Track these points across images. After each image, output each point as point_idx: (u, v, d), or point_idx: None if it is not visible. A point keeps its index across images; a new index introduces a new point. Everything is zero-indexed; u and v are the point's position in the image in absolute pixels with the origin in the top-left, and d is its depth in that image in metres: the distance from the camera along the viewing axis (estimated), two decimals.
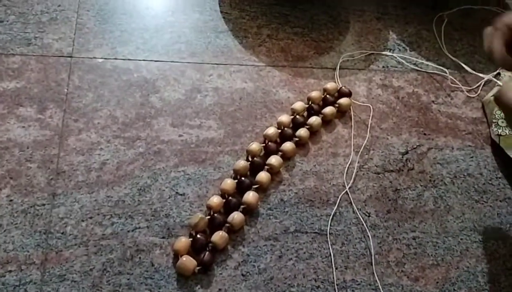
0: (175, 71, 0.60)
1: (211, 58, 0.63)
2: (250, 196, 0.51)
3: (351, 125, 0.61)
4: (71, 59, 0.58)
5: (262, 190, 0.53)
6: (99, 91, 0.56)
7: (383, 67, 0.68)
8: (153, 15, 0.64)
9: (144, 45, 0.61)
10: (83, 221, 0.48)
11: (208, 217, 0.50)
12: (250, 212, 0.52)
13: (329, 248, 0.51)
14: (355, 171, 0.57)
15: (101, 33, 0.61)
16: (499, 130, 0.61)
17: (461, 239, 0.55)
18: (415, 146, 0.61)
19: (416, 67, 0.69)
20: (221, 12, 0.67)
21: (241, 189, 0.52)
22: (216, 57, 0.63)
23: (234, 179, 0.53)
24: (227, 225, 0.50)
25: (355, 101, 0.63)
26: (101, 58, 0.59)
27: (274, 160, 0.54)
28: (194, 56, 0.62)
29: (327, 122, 0.60)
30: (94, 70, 0.58)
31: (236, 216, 0.50)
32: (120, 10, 0.63)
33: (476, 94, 0.68)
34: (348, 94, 0.62)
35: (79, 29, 0.61)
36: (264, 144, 0.56)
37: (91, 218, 0.48)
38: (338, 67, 0.65)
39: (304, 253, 0.50)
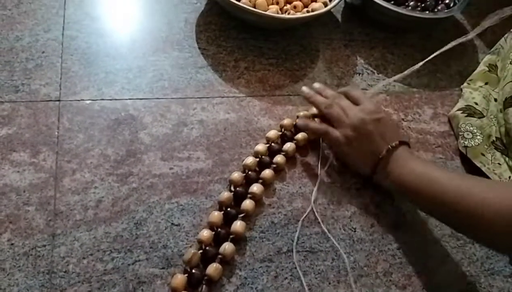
0: (160, 107, 0.63)
1: (193, 93, 0.66)
2: (237, 226, 0.54)
3: (328, 150, 0.65)
4: (59, 103, 0.60)
5: (248, 217, 0.56)
6: (89, 131, 0.59)
7: None
8: (135, 56, 0.67)
9: (129, 85, 0.64)
10: (84, 258, 0.49)
11: (200, 251, 0.52)
12: (240, 240, 0.54)
13: (321, 265, 0.54)
14: (337, 189, 0.61)
15: (87, 75, 0.63)
16: (466, 142, 0.67)
17: (440, 245, 0.59)
18: None
19: (385, 89, 0.74)
20: (199, 48, 0.71)
21: (228, 219, 0.55)
22: (199, 91, 0.66)
23: (220, 210, 0.56)
24: (220, 256, 0.51)
25: None
26: (89, 99, 0.61)
27: (255, 188, 0.57)
28: (178, 92, 0.65)
29: (302, 146, 0.64)
30: (82, 112, 0.60)
31: (227, 247, 0.52)
32: (103, 52, 0.66)
33: (442, 109, 0.73)
34: None
35: (64, 74, 0.63)
36: (244, 174, 0.59)
37: (91, 254, 0.50)
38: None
39: (298, 271, 0.53)
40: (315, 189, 0.60)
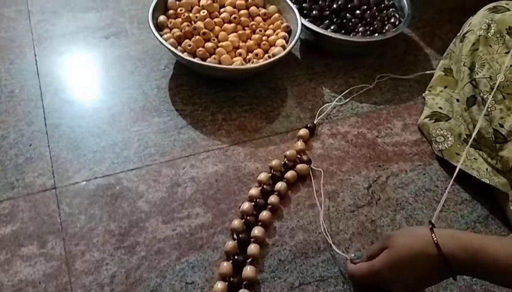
0: (152, 173, 0.66)
1: (180, 153, 0.69)
2: (248, 271, 0.56)
3: (319, 179, 0.68)
4: (55, 190, 0.62)
5: (256, 261, 0.58)
6: (90, 211, 0.61)
7: (327, 118, 0.77)
8: (118, 130, 0.70)
9: (118, 159, 0.67)
10: None
11: None
12: (253, 284, 0.56)
13: (333, 290, 0.57)
14: (333, 215, 0.64)
15: (76, 158, 0.66)
16: (439, 146, 0.72)
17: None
18: (375, 179, 0.70)
19: (354, 111, 0.79)
20: (177, 110, 0.74)
21: (237, 267, 0.57)
22: (184, 150, 0.69)
23: (228, 260, 0.58)
24: None
25: (312, 167, 0.70)
26: (83, 181, 0.64)
27: (256, 231, 0.60)
28: (165, 155, 0.68)
29: (293, 183, 0.67)
30: (79, 194, 0.62)
31: None
32: (87, 133, 0.69)
33: (410, 120, 0.79)
34: (307, 162, 0.70)
35: (55, 161, 0.65)
36: (244, 220, 0.62)
37: None
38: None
39: None
40: (321, 218, 0.63)
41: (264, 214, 0.62)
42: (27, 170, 0.64)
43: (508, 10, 0.70)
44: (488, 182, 0.66)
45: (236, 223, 0.61)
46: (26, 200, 0.61)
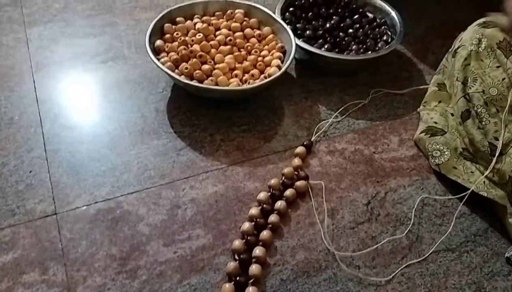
0: (152, 196, 0.66)
1: (180, 175, 0.69)
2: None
3: (318, 197, 0.69)
4: (56, 216, 0.62)
5: (258, 281, 0.58)
6: (91, 236, 0.61)
7: (324, 136, 0.78)
8: (117, 154, 0.71)
9: (118, 182, 0.67)
10: None
11: None
12: None
13: None
14: (333, 232, 0.65)
15: (76, 183, 0.66)
16: (436, 160, 0.72)
17: (439, 261, 0.63)
18: (374, 195, 0.70)
19: (350, 128, 0.80)
20: (175, 132, 0.75)
21: (239, 288, 0.57)
22: (184, 172, 0.70)
23: (230, 281, 0.58)
24: None
25: (310, 182, 0.70)
26: (83, 206, 0.64)
27: (258, 250, 0.60)
28: (165, 178, 0.69)
29: (292, 201, 0.68)
30: (80, 219, 0.63)
31: None
32: (87, 158, 0.70)
33: (406, 135, 0.79)
34: (305, 178, 0.70)
35: (55, 187, 0.66)
36: (244, 240, 0.62)
37: None
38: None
39: None
40: (323, 235, 0.64)
41: (265, 234, 0.63)
42: (27, 196, 0.64)
43: None
44: (486, 194, 0.66)
45: (237, 243, 0.61)
46: (27, 227, 0.61)
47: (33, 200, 0.64)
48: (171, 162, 0.71)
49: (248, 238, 0.62)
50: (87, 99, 0.79)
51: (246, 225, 0.63)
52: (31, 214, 0.62)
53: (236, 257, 0.60)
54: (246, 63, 0.80)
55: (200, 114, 0.78)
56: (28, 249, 0.59)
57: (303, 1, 0.93)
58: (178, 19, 0.84)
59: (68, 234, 0.61)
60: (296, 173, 0.71)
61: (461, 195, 0.66)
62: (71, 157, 0.70)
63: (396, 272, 0.61)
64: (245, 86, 0.76)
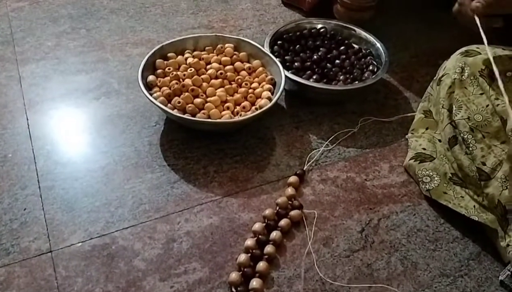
0: (147, 230, 0.67)
1: (174, 208, 0.70)
2: None
3: (311, 226, 0.69)
4: (51, 254, 0.62)
5: None
6: (86, 273, 0.61)
7: (316, 165, 0.79)
8: (111, 188, 0.71)
9: (113, 218, 0.67)
10: None
11: None
12: None
13: None
14: (328, 261, 0.65)
15: (71, 220, 0.66)
16: (426, 186, 0.74)
17: (435, 287, 0.63)
18: (367, 222, 0.71)
19: (341, 156, 0.81)
20: (169, 165, 0.76)
21: None
22: (178, 205, 0.70)
23: None
24: None
25: (304, 211, 0.71)
26: (78, 242, 0.64)
27: (255, 283, 0.61)
28: (160, 211, 0.69)
29: (287, 231, 0.68)
30: (75, 256, 0.62)
31: None
32: (81, 194, 0.70)
33: (396, 161, 0.81)
34: (299, 207, 0.71)
35: (50, 224, 0.66)
36: (241, 272, 0.62)
37: None
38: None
39: None
40: (317, 267, 0.64)
41: (261, 265, 0.63)
42: (22, 234, 0.64)
43: (479, 53, 0.74)
44: (477, 219, 0.67)
45: (234, 276, 0.61)
46: (22, 265, 0.61)
47: (27, 238, 0.64)
48: (166, 195, 0.71)
49: (245, 269, 0.62)
50: (80, 135, 0.80)
51: (242, 257, 0.63)
52: (26, 252, 0.62)
53: (233, 289, 0.60)
54: (237, 96, 0.81)
55: (193, 147, 0.79)
56: (23, 289, 0.58)
57: (290, 34, 0.96)
58: (169, 54, 0.86)
59: (63, 271, 0.60)
60: (290, 202, 0.72)
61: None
62: (65, 193, 0.70)
63: None
64: (237, 118, 0.77)
